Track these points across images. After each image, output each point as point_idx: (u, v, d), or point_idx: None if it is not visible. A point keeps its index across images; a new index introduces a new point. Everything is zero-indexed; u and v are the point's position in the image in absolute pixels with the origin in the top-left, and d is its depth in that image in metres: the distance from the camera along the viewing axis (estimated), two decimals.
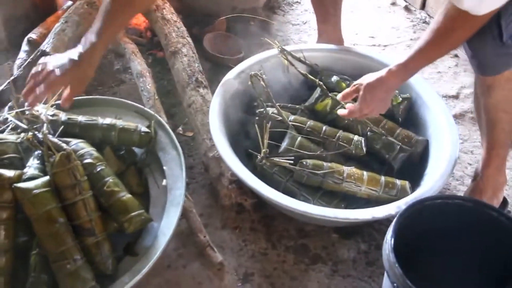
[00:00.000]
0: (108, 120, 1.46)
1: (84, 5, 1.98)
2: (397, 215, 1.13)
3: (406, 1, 2.51)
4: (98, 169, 1.32)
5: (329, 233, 1.53)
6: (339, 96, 1.53)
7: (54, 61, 1.30)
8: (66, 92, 1.30)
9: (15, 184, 1.22)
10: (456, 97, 1.97)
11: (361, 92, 1.41)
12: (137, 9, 1.49)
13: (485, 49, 1.30)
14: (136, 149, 1.53)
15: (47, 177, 1.26)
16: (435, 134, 1.54)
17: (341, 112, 1.50)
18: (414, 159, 1.53)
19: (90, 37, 1.31)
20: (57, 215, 1.20)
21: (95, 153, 1.34)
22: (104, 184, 1.29)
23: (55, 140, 1.30)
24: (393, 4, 2.51)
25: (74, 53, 1.29)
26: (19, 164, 1.38)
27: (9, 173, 1.26)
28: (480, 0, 1.07)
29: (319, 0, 1.98)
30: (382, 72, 1.39)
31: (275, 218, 1.58)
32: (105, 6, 1.34)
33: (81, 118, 1.43)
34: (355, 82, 1.47)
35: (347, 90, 1.49)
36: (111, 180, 1.31)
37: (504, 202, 1.59)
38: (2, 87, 1.75)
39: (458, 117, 1.88)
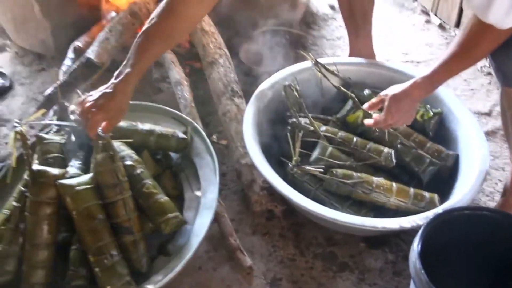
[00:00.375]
0: (147, 126, 1.54)
1: (127, 16, 2.06)
2: (425, 223, 1.15)
3: (440, 19, 2.52)
4: (138, 171, 1.39)
5: (357, 242, 1.55)
6: (365, 106, 1.56)
7: (92, 97, 1.35)
8: (104, 123, 1.36)
9: (59, 181, 1.30)
10: (488, 114, 1.98)
11: (386, 103, 1.45)
12: (169, 45, 1.56)
13: (510, 61, 1.34)
14: (172, 154, 1.60)
15: (89, 175, 1.35)
16: (466, 149, 1.55)
17: (367, 122, 1.54)
18: (444, 173, 1.54)
19: (123, 69, 1.36)
20: (97, 212, 1.28)
21: (135, 156, 1.43)
22: (143, 186, 1.36)
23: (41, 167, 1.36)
24: (428, 22, 2.53)
25: (109, 87, 1.35)
26: (62, 163, 1.47)
27: (54, 171, 1.35)
28: (506, 14, 1.09)
29: (350, 14, 2.01)
30: (407, 84, 1.43)
31: (304, 226, 1.61)
32: (138, 39, 1.40)
33: (122, 123, 1.49)
34: (381, 93, 1.51)
35: (373, 100, 1.53)
36: (149, 182, 1.39)
37: None
38: (49, 91, 1.85)
39: (490, 134, 1.88)
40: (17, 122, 1.40)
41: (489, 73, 2.17)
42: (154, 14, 1.39)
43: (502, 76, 1.41)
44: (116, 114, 1.38)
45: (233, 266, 1.48)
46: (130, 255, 1.31)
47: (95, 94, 1.35)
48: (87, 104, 1.33)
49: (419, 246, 1.08)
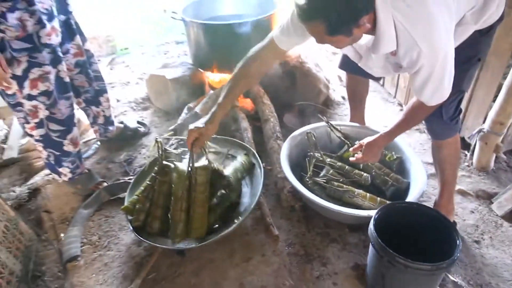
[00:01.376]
0: (239, 159, 1.89)
1: (216, 93, 2.35)
2: (377, 210, 1.43)
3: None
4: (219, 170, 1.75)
5: (343, 227, 1.77)
6: (351, 149, 1.80)
7: (195, 125, 1.56)
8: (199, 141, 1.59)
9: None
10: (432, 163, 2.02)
11: (363, 148, 1.69)
12: (242, 89, 1.66)
13: (434, 124, 1.57)
14: None
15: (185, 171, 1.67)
16: (414, 178, 1.77)
17: (351, 159, 1.77)
18: (401, 192, 1.76)
19: (213, 109, 1.55)
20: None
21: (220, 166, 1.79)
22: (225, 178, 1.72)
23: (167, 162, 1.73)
24: (401, 110, 2.60)
25: (203, 120, 1.55)
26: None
27: (171, 165, 1.71)
28: (430, 97, 1.30)
29: (352, 97, 2.14)
30: (375, 136, 1.66)
31: (312, 216, 1.84)
32: (223, 87, 1.59)
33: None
34: (360, 141, 1.74)
35: (356, 146, 1.76)
36: (231, 178, 1.74)
37: (454, 222, 1.75)
38: (172, 127, 2.23)
39: (433, 175, 1.95)
40: (157, 137, 1.78)
41: None
42: (236, 67, 1.55)
43: (431, 132, 1.64)
44: (206, 136, 1.57)
45: (267, 235, 1.76)
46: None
47: (197, 123, 1.56)
48: (192, 129, 1.55)
49: (373, 222, 1.38)
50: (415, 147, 2.26)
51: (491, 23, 1.39)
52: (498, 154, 1.96)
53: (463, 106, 2.03)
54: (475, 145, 2.02)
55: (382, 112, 2.67)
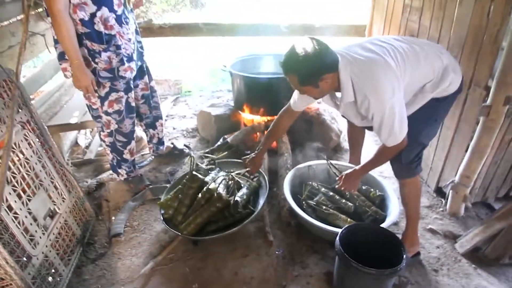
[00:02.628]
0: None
1: (250, 128, 2.73)
2: (344, 227, 1.66)
3: None
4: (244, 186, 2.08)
5: (326, 243, 1.98)
6: (337, 179, 1.99)
7: (250, 156, 2.14)
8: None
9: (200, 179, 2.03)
10: None
11: (343, 178, 1.89)
12: (276, 138, 2.30)
13: (395, 165, 1.79)
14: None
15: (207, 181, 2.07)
16: (391, 211, 1.94)
17: (337, 186, 1.94)
18: (378, 223, 1.90)
19: (259, 147, 2.10)
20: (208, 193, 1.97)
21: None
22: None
23: (198, 174, 2.06)
24: None
25: (255, 154, 2.11)
26: (204, 175, 2.13)
27: (199, 176, 2.05)
28: (386, 139, 1.53)
29: (351, 142, 2.37)
30: (353, 169, 1.86)
31: (303, 232, 2.06)
32: (265, 135, 2.12)
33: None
34: (342, 173, 1.92)
35: (339, 176, 1.94)
36: (245, 191, 2.06)
37: (418, 252, 1.90)
38: (207, 150, 2.63)
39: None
40: (192, 154, 2.25)
41: None
42: (271, 125, 2.06)
43: (394, 172, 1.83)
44: (256, 165, 2.15)
45: (264, 240, 2.02)
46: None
47: (252, 155, 2.14)
48: (248, 158, 2.14)
49: (340, 234, 1.61)
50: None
51: (448, 93, 1.67)
52: (466, 204, 2.12)
53: (440, 161, 2.29)
54: (448, 194, 2.21)
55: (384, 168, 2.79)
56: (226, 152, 2.52)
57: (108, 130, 2.22)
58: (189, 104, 3.94)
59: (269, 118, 2.84)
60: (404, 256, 1.54)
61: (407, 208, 1.86)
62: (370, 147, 2.84)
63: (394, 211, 1.94)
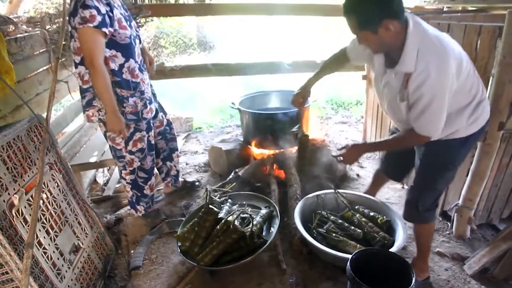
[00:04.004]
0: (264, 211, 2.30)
1: (259, 162, 2.83)
2: (355, 252, 1.70)
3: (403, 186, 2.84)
4: (257, 217, 2.15)
5: (338, 270, 2.01)
6: (339, 147, 2.04)
7: (296, 91, 2.04)
8: None
9: (219, 216, 2.11)
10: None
11: (347, 148, 1.80)
12: (327, 73, 2.01)
13: (411, 211, 1.85)
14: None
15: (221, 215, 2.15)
16: (398, 236, 1.99)
17: (333, 154, 1.89)
18: (388, 246, 1.94)
19: (301, 88, 2.03)
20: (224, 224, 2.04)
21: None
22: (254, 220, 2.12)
23: (213, 207, 2.12)
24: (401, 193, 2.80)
25: (300, 86, 2.06)
26: (219, 209, 2.21)
27: (214, 209, 2.13)
28: (424, 126, 1.46)
29: (375, 181, 2.39)
30: (360, 142, 1.94)
31: (315, 259, 2.11)
32: (321, 67, 1.99)
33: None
34: (347, 143, 1.92)
35: (342, 146, 1.84)
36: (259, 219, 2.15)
37: (427, 277, 1.94)
38: (221, 183, 2.72)
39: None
40: (208, 187, 2.32)
41: None
42: (328, 58, 1.98)
43: (408, 216, 1.89)
44: (303, 93, 2.04)
45: (277, 268, 2.07)
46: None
47: (297, 91, 2.04)
48: (296, 93, 2.03)
49: (351, 259, 1.63)
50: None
51: (472, 130, 1.61)
52: (471, 226, 2.17)
53: None
54: (453, 217, 2.26)
55: (387, 187, 2.90)
56: (235, 183, 2.62)
57: (131, 168, 2.34)
58: (200, 140, 4.09)
59: (277, 151, 2.95)
60: (414, 280, 1.57)
61: (419, 242, 1.92)
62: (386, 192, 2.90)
63: (402, 236, 1.99)
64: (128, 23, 2.03)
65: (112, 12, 1.89)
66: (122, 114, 2.10)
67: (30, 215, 1.63)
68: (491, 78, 1.94)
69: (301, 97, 2.03)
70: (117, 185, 3.05)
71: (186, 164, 3.49)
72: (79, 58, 1.96)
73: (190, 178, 3.07)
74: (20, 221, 1.61)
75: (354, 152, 1.78)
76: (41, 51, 2.69)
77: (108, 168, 3.30)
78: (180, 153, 3.64)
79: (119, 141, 2.23)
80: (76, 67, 2.01)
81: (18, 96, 1.82)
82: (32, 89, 2.51)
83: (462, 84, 1.48)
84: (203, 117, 4.76)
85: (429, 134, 1.50)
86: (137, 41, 2.12)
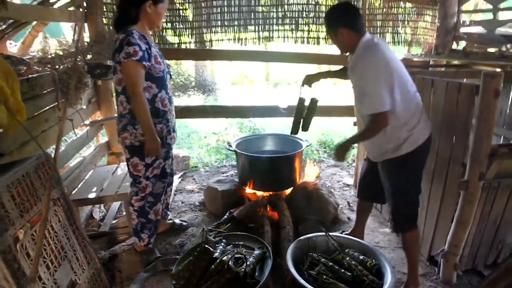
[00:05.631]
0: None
1: (254, 202, 2.92)
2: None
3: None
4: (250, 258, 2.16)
5: None
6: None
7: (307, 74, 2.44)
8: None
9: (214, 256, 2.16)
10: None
11: (336, 151, 2.16)
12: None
13: (393, 220, 2.13)
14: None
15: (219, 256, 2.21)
16: (387, 280, 2.04)
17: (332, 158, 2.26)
18: None
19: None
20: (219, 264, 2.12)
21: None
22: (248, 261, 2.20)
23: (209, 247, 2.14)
24: (391, 231, 2.89)
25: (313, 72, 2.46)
26: (213, 247, 2.25)
27: (210, 248, 2.17)
28: (368, 107, 1.85)
29: (359, 213, 2.60)
30: (344, 141, 2.13)
31: None
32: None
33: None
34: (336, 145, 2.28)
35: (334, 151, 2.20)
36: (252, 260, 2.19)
37: None
38: (216, 223, 2.79)
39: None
40: (204, 227, 2.45)
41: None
42: None
43: (393, 227, 2.18)
44: (313, 78, 2.45)
45: None
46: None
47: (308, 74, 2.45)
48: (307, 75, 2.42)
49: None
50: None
51: (413, 146, 1.99)
52: (457, 271, 2.25)
53: (431, 231, 2.47)
54: (440, 262, 2.34)
55: (377, 231, 3.03)
56: (230, 224, 2.70)
57: (143, 194, 2.49)
58: (196, 179, 4.18)
59: (271, 193, 3.06)
60: None
61: (408, 253, 2.15)
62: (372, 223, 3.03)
63: (390, 280, 2.07)
64: (161, 59, 2.30)
65: (150, 50, 2.17)
66: None
67: (33, 249, 1.70)
68: (470, 133, 2.09)
69: (308, 79, 2.44)
70: (113, 221, 3.10)
71: (182, 202, 3.56)
72: (121, 88, 2.23)
73: (184, 216, 3.16)
74: (24, 255, 1.67)
75: (340, 150, 2.12)
76: (49, 90, 2.84)
77: (104, 204, 3.36)
78: (176, 191, 3.73)
79: (140, 167, 2.40)
80: (118, 96, 2.28)
81: (30, 135, 1.94)
82: (39, 126, 2.64)
83: (407, 103, 1.93)
84: (199, 156, 4.87)
85: (378, 110, 1.81)
86: (168, 76, 2.40)
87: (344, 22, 1.95)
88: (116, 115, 3.77)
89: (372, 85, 1.80)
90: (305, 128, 2.49)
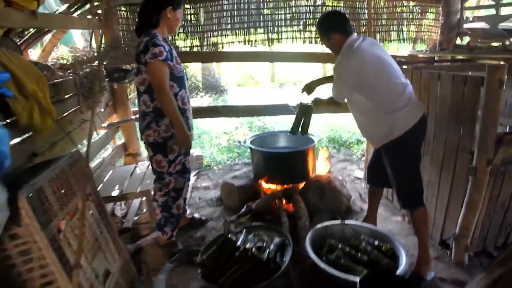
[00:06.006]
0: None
1: (269, 196, 3.04)
2: (362, 275, 1.95)
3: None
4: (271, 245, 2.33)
5: None
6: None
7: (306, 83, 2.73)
8: None
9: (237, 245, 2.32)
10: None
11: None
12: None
13: (401, 198, 2.24)
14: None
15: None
16: (401, 262, 2.14)
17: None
18: (392, 271, 2.11)
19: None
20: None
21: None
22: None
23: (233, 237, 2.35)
24: (404, 219, 3.00)
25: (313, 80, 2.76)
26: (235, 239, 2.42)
27: (232, 239, 2.37)
28: (336, 97, 2.26)
29: (370, 201, 2.70)
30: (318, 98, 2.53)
31: (325, 283, 2.20)
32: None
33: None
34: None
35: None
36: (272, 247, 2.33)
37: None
38: (237, 215, 2.94)
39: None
40: (226, 219, 2.58)
41: None
42: None
43: (402, 205, 2.29)
44: (313, 84, 2.78)
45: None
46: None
47: (309, 82, 2.75)
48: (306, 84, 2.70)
49: (360, 282, 1.90)
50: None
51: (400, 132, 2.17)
52: (468, 253, 2.36)
53: (442, 216, 2.58)
54: (451, 245, 2.45)
55: (389, 220, 3.12)
56: (248, 216, 2.83)
57: (166, 190, 2.62)
58: (210, 177, 4.31)
59: (285, 186, 3.18)
60: None
61: (417, 231, 2.24)
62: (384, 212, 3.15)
63: (405, 262, 2.18)
64: (180, 61, 2.44)
65: (172, 51, 2.32)
66: (171, 135, 2.44)
67: (73, 240, 1.85)
68: (477, 123, 2.20)
69: (308, 87, 2.71)
70: (135, 218, 3.24)
71: (199, 199, 3.69)
72: (143, 88, 2.36)
73: (203, 212, 3.30)
74: (66, 244, 1.81)
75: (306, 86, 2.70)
76: (71, 94, 2.99)
77: (125, 202, 3.50)
78: (192, 188, 3.87)
79: (163, 164, 2.53)
80: (140, 96, 2.40)
81: (65, 132, 2.09)
82: (65, 128, 2.78)
83: (389, 92, 2.16)
84: (212, 155, 5.01)
85: (336, 99, 2.30)
86: (185, 76, 2.52)
87: (336, 28, 2.22)
88: (132, 117, 3.96)
89: (338, 80, 2.21)
90: (304, 132, 2.68)
